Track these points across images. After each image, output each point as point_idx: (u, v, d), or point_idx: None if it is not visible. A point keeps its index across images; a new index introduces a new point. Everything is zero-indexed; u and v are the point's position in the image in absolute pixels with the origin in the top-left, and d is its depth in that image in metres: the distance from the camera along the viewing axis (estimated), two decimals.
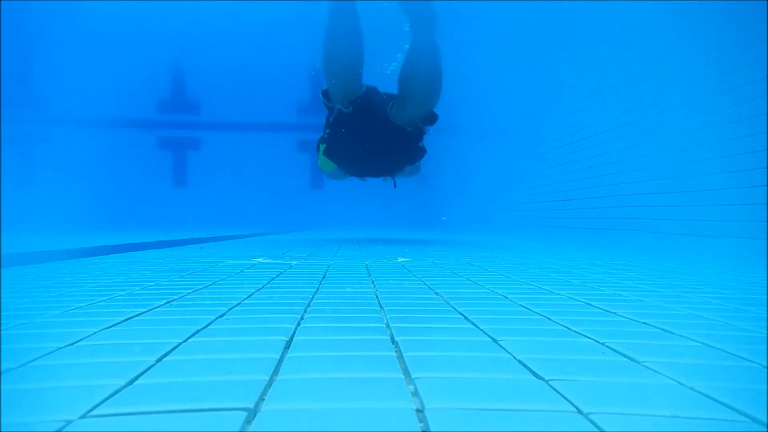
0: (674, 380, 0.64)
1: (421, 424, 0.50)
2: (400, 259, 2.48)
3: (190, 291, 1.37)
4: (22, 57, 12.04)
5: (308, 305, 1.15)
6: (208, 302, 1.19)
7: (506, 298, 1.29)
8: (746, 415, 0.53)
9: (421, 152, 4.41)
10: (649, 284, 1.60)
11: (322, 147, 4.38)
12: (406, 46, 3.98)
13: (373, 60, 4.11)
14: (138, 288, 1.42)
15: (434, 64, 3.86)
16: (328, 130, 4.24)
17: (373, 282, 1.60)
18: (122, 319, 0.98)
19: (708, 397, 0.58)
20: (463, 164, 9.81)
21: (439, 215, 11.83)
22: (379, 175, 4.68)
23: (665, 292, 1.42)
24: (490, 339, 0.84)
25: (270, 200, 13.01)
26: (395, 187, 5.02)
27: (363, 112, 4.02)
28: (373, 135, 4.08)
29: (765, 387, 0.62)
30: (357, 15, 3.81)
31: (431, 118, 4.12)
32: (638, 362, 0.72)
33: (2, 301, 1.19)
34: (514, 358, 0.73)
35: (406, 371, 0.66)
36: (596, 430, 0.49)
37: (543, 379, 0.63)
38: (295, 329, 0.90)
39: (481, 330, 0.91)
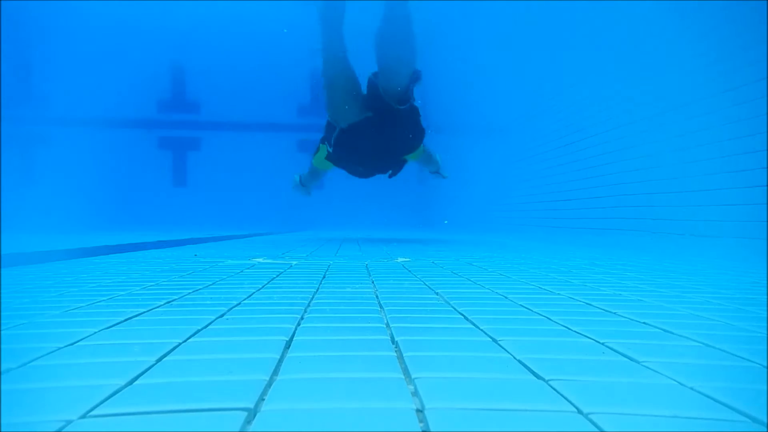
0: (674, 380, 0.64)
1: (421, 424, 0.50)
2: (400, 259, 2.48)
3: (190, 291, 1.37)
4: (22, 57, 12.04)
5: (308, 305, 1.15)
6: (208, 302, 1.19)
7: (506, 298, 1.29)
8: (746, 415, 0.53)
9: (421, 134, 4.36)
10: (649, 284, 1.60)
11: (324, 148, 4.38)
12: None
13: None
14: (138, 288, 1.42)
15: (406, 27, 3.91)
16: (332, 145, 4.25)
17: (373, 282, 1.60)
18: (122, 319, 0.98)
19: (708, 397, 0.58)
20: (462, 164, 9.81)
21: (438, 215, 11.83)
22: (382, 171, 4.63)
23: (665, 292, 1.42)
24: (490, 339, 0.84)
25: (270, 200, 13.00)
26: (446, 177, 4.99)
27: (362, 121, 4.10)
28: (375, 129, 4.09)
29: (765, 387, 0.62)
30: (348, 63, 4.00)
31: (417, 77, 4.14)
32: (638, 362, 0.72)
33: (2, 301, 1.19)
34: (514, 358, 0.73)
35: (406, 371, 0.66)
36: (596, 430, 0.49)
37: (543, 379, 0.63)
38: (295, 329, 0.90)
39: (481, 330, 0.91)
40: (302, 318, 1.01)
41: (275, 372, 0.65)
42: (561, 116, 5.67)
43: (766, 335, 0.90)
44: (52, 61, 12.10)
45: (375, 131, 4.08)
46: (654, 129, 3.91)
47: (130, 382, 0.61)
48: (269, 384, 0.61)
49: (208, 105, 13.15)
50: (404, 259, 2.48)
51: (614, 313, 1.09)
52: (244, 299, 1.23)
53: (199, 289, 1.42)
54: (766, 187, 2.79)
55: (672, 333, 0.91)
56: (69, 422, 0.49)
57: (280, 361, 0.71)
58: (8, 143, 11.32)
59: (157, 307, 1.12)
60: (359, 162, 4.39)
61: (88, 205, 11.24)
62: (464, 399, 0.56)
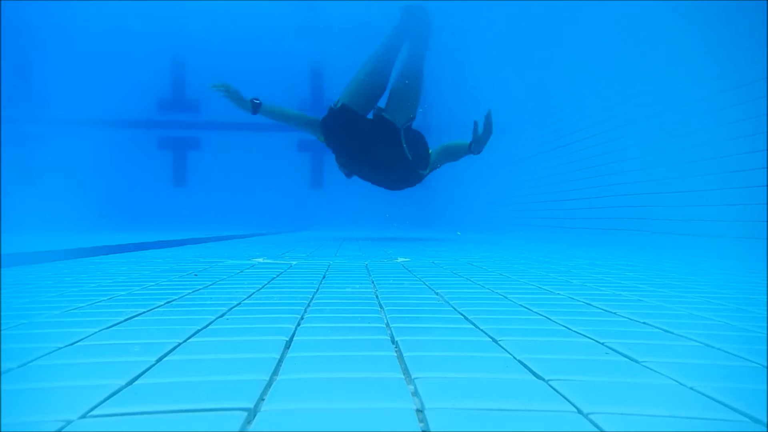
0: (674, 380, 0.64)
1: (421, 424, 0.50)
2: (400, 259, 2.48)
3: (190, 291, 1.37)
4: (22, 57, 12.04)
5: (308, 305, 1.15)
6: (208, 302, 1.19)
7: (506, 298, 1.29)
8: (746, 415, 0.53)
9: (418, 179, 4.71)
10: (649, 284, 1.60)
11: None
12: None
13: None
14: (138, 288, 1.42)
15: (417, 86, 4.57)
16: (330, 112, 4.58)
17: (373, 282, 1.60)
18: (122, 319, 0.98)
19: (708, 397, 0.58)
20: (463, 163, 9.81)
21: (438, 214, 11.84)
22: (382, 182, 4.76)
23: (665, 292, 1.42)
24: (490, 339, 0.84)
25: (270, 200, 13.00)
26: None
27: (351, 119, 4.40)
28: (365, 142, 4.37)
29: (765, 387, 0.62)
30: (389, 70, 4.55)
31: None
32: (638, 362, 0.72)
33: (2, 301, 1.19)
34: (514, 358, 0.73)
35: (406, 371, 0.66)
36: (596, 430, 0.49)
37: (543, 379, 0.63)
38: (295, 329, 0.90)
39: (481, 330, 0.91)
40: (302, 318, 1.01)
41: (275, 372, 0.65)
42: (561, 116, 5.67)
43: (766, 335, 0.90)
44: (52, 61, 12.10)
45: (363, 131, 4.40)
46: (654, 129, 3.91)
47: (130, 382, 0.61)
48: (269, 384, 0.61)
49: (208, 105, 13.14)
50: (404, 259, 2.48)
51: (614, 313, 1.09)
52: (244, 299, 1.23)
53: (199, 289, 1.42)
54: (766, 187, 2.79)
55: (672, 333, 0.91)
56: (69, 422, 0.49)
57: (280, 361, 0.71)
58: (8, 143, 11.32)
59: (157, 307, 1.12)
60: (345, 143, 4.49)
61: (88, 204, 11.24)
62: (464, 399, 0.56)
